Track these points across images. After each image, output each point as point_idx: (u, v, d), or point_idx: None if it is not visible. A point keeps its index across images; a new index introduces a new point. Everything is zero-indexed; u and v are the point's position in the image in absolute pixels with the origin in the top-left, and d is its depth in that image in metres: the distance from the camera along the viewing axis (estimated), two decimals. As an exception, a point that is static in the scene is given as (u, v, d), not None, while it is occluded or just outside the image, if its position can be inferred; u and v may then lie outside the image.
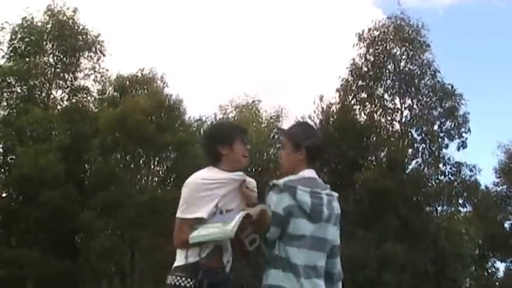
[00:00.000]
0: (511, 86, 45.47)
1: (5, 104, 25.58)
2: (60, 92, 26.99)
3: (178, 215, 2.91)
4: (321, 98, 25.44)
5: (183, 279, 2.84)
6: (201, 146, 3.26)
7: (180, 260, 2.91)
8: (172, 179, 26.66)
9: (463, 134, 23.80)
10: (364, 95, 24.86)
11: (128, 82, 26.96)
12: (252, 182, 3.05)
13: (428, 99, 24.46)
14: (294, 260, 2.81)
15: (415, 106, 24.66)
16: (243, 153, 3.06)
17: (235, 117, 30.05)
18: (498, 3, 47.49)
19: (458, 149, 23.81)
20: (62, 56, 26.48)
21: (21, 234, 22.94)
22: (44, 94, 26.58)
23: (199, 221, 2.84)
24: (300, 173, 2.96)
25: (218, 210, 2.89)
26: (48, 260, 21.87)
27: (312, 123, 24.71)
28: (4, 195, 24.80)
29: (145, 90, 26.70)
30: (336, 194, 3.04)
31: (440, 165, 24.05)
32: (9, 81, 25.34)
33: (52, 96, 26.71)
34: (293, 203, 2.83)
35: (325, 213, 2.92)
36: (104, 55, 26.95)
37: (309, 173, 2.99)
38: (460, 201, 24.32)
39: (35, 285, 22.76)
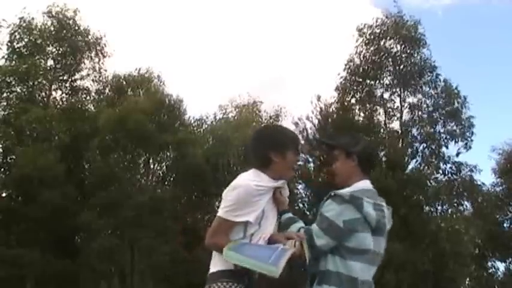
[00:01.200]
0: (510, 86, 45.40)
1: (5, 103, 25.58)
2: (60, 92, 27.04)
3: (222, 214, 2.74)
4: (318, 98, 25.36)
5: (230, 284, 2.66)
6: (250, 147, 3.05)
7: (224, 264, 2.70)
8: (171, 179, 26.67)
9: (467, 138, 23.60)
10: (363, 94, 24.77)
11: (124, 82, 26.97)
12: (287, 189, 2.98)
13: (430, 98, 24.37)
14: (355, 275, 2.73)
15: (415, 103, 24.59)
16: (292, 165, 2.94)
17: (235, 117, 30.07)
18: (497, 4, 47.44)
19: (458, 155, 23.66)
20: (60, 58, 26.45)
21: (21, 234, 22.88)
22: (43, 94, 26.57)
23: (245, 224, 2.73)
24: (356, 184, 2.88)
25: (264, 215, 2.76)
26: (48, 259, 21.89)
27: (310, 124, 24.84)
28: (4, 195, 24.80)
29: (143, 90, 26.72)
30: (390, 207, 2.96)
31: (440, 164, 23.97)
32: (9, 81, 25.33)
33: (52, 96, 26.75)
34: (357, 216, 2.74)
35: (387, 227, 2.87)
36: (104, 56, 27.00)
37: (365, 183, 2.91)
38: (460, 200, 24.27)
39: (35, 285, 22.75)
